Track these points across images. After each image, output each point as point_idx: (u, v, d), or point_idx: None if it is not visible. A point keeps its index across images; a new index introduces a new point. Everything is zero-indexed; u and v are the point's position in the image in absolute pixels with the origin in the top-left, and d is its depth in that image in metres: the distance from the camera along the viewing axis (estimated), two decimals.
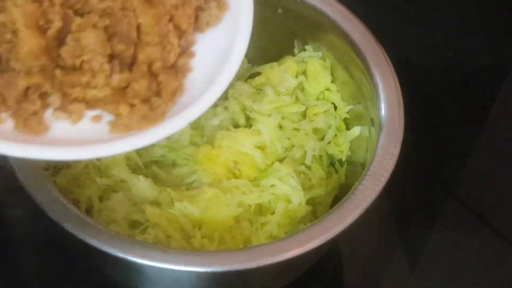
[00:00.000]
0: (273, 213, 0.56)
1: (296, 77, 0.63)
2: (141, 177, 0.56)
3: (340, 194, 0.60)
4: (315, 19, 0.61)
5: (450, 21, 0.83)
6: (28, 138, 0.43)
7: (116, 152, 0.44)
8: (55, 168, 0.56)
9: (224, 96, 0.62)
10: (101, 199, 0.56)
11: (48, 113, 0.45)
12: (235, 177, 0.57)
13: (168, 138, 0.53)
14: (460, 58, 0.80)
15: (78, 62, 0.44)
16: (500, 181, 0.70)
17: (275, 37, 0.64)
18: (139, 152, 0.59)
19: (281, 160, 0.59)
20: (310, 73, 0.63)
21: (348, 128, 0.62)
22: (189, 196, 0.55)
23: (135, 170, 0.58)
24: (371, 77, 0.56)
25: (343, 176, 0.61)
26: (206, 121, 0.60)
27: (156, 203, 0.55)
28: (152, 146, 0.59)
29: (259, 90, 0.62)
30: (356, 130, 0.60)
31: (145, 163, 0.59)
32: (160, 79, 0.46)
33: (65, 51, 0.44)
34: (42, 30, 0.43)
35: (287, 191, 0.56)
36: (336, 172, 0.61)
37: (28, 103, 0.44)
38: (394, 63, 0.57)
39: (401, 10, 0.83)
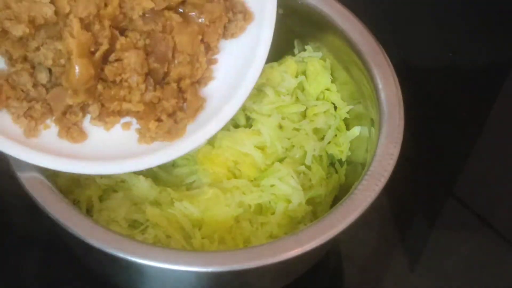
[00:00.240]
0: (273, 213, 0.56)
1: (296, 77, 0.63)
2: (141, 177, 0.56)
3: (340, 194, 0.60)
4: (315, 19, 0.61)
5: (450, 21, 0.83)
6: (66, 150, 0.48)
7: (142, 168, 0.49)
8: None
9: None
10: (101, 199, 0.56)
11: (85, 121, 0.50)
12: (235, 177, 0.57)
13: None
14: (460, 58, 0.80)
15: (118, 78, 0.48)
16: (500, 181, 0.70)
17: (275, 37, 0.64)
18: None
19: (281, 160, 0.59)
20: (310, 73, 0.63)
21: (348, 128, 0.62)
22: (189, 196, 0.55)
23: None
24: (371, 77, 0.56)
25: (343, 176, 0.61)
26: None
27: (156, 203, 0.55)
28: None
29: (259, 90, 0.62)
30: (356, 130, 0.60)
31: None
32: (186, 95, 0.51)
33: (108, 70, 0.48)
34: (91, 54, 0.47)
35: (287, 191, 0.56)
36: (336, 172, 0.61)
37: (71, 115, 0.49)
38: (394, 63, 0.57)
39: (401, 10, 0.83)
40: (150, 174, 0.58)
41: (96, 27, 0.47)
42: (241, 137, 0.58)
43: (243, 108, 0.61)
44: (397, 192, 0.62)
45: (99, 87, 0.48)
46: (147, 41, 0.49)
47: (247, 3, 0.54)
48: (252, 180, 0.57)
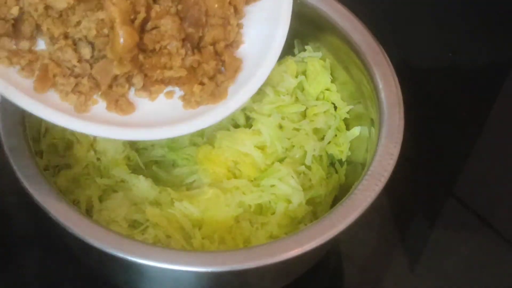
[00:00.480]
0: (273, 213, 0.56)
1: (296, 77, 0.63)
2: (141, 177, 0.56)
3: (340, 194, 0.60)
4: (315, 19, 0.61)
5: (450, 21, 0.83)
6: (116, 119, 0.49)
7: (193, 130, 0.49)
8: (55, 168, 0.56)
9: None
10: (101, 199, 0.56)
11: (131, 93, 0.50)
12: (235, 177, 0.57)
13: (169, 138, 0.55)
14: (460, 58, 0.80)
15: (157, 46, 0.48)
16: (500, 181, 0.70)
17: None
18: (140, 152, 0.59)
19: (281, 160, 0.59)
20: (310, 73, 0.63)
21: (348, 128, 0.62)
22: (189, 196, 0.55)
23: (135, 170, 0.58)
24: (371, 77, 0.56)
25: (343, 176, 0.61)
26: None
27: (156, 203, 0.55)
28: (152, 146, 0.60)
29: (258, 90, 0.62)
30: (356, 130, 0.60)
31: (145, 163, 0.59)
32: (223, 58, 0.51)
33: (148, 38, 0.48)
34: (132, 23, 0.47)
35: (287, 191, 0.56)
36: (336, 172, 0.61)
37: (118, 87, 0.49)
38: (394, 63, 0.57)
39: (401, 10, 0.83)
40: (150, 174, 0.58)
41: None
42: (241, 137, 0.58)
43: (243, 108, 0.61)
44: (397, 192, 0.62)
45: (141, 57, 0.48)
46: (179, 7, 0.50)
47: None
48: (252, 180, 0.57)
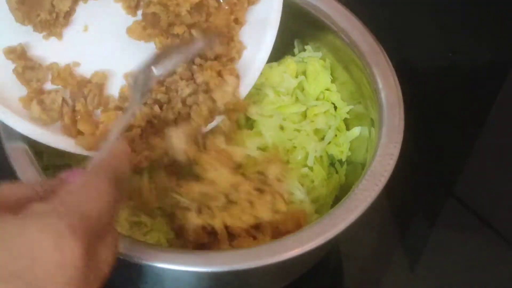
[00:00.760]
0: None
1: (296, 77, 0.63)
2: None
3: (340, 194, 0.60)
4: (315, 19, 0.61)
5: (450, 21, 0.83)
6: None
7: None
8: (55, 168, 0.56)
9: None
10: None
11: None
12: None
13: None
14: (460, 58, 0.80)
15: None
16: (500, 181, 0.70)
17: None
18: None
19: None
20: (310, 73, 0.63)
21: (348, 128, 0.62)
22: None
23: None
24: (371, 77, 0.56)
25: (343, 176, 0.61)
26: None
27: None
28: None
29: (258, 90, 0.62)
30: (356, 131, 0.60)
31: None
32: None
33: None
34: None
35: (294, 203, 0.56)
36: (336, 172, 0.61)
37: None
38: (394, 63, 0.57)
39: (401, 10, 0.83)
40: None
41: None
42: (243, 139, 0.58)
43: None
44: (397, 192, 0.62)
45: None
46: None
47: None
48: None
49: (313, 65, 0.63)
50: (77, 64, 0.53)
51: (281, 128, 0.60)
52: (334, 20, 0.59)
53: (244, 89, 0.55)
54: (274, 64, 0.64)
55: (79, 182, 0.35)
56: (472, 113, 0.75)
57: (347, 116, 0.62)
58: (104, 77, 0.53)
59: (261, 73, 0.63)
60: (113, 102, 0.53)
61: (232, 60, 0.56)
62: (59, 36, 0.53)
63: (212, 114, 0.53)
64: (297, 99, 0.62)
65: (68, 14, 0.53)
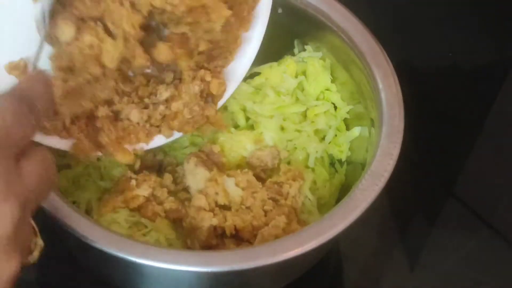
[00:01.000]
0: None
1: (296, 77, 0.63)
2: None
3: (340, 194, 0.59)
4: (315, 19, 0.61)
5: (450, 21, 0.83)
6: None
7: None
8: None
9: None
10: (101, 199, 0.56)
11: None
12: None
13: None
14: (460, 58, 0.80)
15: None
16: (500, 181, 0.70)
17: (275, 37, 0.64)
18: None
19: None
20: (310, 73, 0.63)
21: (348, 128, 0.62)
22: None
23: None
24: (371, 77, 0.56)
25: (343, 176, 0.61)
26: None
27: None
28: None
29: (258, 90, 0.62)
30: (356, 131, 0.60)
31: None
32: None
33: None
34: None
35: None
36: (336, 172, 0.61)
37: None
38: (394, 63, 0.57)
39: (401, 10, 0.83)
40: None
41: None
42: (244, 140, 0.58)
43: (243, 108, 0.61)
44: (397, 192, 0.62)
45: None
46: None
47: None
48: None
49: (313, 65, 0.63)
50: None
51: (282, 128, 0.60)
52: (334, 20, 0.59)
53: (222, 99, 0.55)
54: (274, 64, 0.64)
55: None
56: (472, 113, 0.75)
57: (347, 116, 0.62)
58: None
59: (261, 73, 0.64)
60: None
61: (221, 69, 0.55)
62: None
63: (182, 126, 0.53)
64: (297, 99, 0.62)
65: None
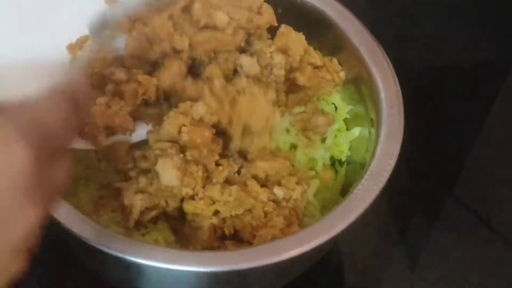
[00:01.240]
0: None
1: None
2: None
3: (340, 194, 0.59)
4: (315, 19, 0.61)
5: (450, 21, 0.83)
6: None
7: None
8: None
9: None
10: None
11: None
12: None
13: None
14: (459, 57, 0.80)
15: None
16: (500, 181, 0.70)
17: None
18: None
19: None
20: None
21: (348, 128, 0.62)
22: None
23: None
24: (371, 77, 0.56)
25: (343, 176, 0.60)
26: None
27: None
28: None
29: None
30: (356, 131, 0.60)
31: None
32: None
33: None
34: None
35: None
36: (336, 172, 0.61)
37: None
38: (394, 63, 0.57)
39: (400, 10, 0.83)
40: None
41: None
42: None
43: None
44: (397, 192, 0.62)
45: None
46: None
47: None
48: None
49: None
50: None
51: (287, 131, 0.59)
52: (334, 20, 0.59)
53: None
54: None
55: (34, 99, 0.36)
56: (472, 113, 0.75)
57: (347, 116, 0.62)
58: None
59: None
60: None
61: None
62: None
63: None
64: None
65: None
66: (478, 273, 0.63)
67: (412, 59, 0.77)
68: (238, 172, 0.54)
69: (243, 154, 0.54)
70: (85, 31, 0.54)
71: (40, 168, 0.33)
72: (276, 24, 0.58)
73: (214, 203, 0.51)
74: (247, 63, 0.55)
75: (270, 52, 0.56)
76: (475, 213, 0.68)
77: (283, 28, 0.59)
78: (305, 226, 0.53)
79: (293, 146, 0.59)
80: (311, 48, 0.60)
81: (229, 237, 0.52)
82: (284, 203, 0.53)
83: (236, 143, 0.53)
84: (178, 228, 0.53)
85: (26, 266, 0.33)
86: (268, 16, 0.57)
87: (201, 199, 0.51)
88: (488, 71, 0.79)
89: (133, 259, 0.45)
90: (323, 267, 0.61)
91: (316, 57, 0.60)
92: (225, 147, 0.53)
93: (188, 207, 0.51)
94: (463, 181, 0.70)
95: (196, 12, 0.54)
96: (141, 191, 0.51)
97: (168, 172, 0.49)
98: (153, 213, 0.52)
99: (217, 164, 0.52)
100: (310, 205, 0.56)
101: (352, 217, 0.48)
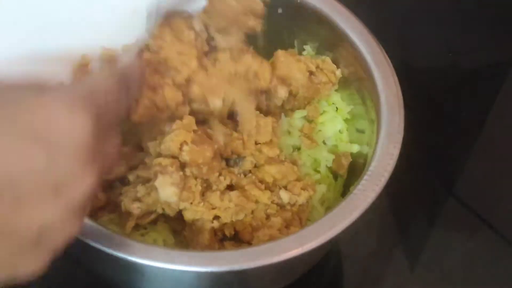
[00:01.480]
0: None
1: None
2: None
3: (340, 194, 0.59)
4: (315, 19, 0.61)
5: (450, 21, 0.83)
6: None
7: None
8: None
9: None
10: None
11: None
12: None
13: None
14: (460, 58, 0.80)
15: None
16: (500, 181, 0.70)
17: (274, 37, 0.64)
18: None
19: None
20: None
21: (348, 129, 0.61)
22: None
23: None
24: (371, 77, 0.56)
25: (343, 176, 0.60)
26: None
27: None
28: None
29: None
30: (354, 147, 0.60)
31: None
32: None
33: None
34: None
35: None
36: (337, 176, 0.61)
37: None
38: (394, 63, 0.57)
39: (401, 10, 0.83)
40: None
41: None
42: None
43: None
44: (397, 192, 0.62)
45: None
46: None
47: None
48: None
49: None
50: None
51: (288, 133, 0.59)
52: (334, 20, 0.59)
53: None
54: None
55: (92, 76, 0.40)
56: (472, 113, 0.75)
57: (348, 116, 0.62)
58: None
59: None
60: None
61: None
62: None
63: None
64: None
65: None
66: (478, 273, 0.63)
67: (412, 59, 0.77)
68: (245, 174, 0.54)
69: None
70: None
71: (97, 139, 0.35)
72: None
73: (214, 208, 0.51)
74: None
75: (274, 84, 0.57)
76: (475, 213, 0.68)
77: (281, 56, 0.59)
78: (305, 226, 0.54)
79: (296, 148, 0.59)
80: (302, 57, 0.60)
81: (229, 238, 0.52)
82: (288, 207, 0.53)
83: (248, 163, 0.54)
84: (178, 230, 0.53)
85: (79, 229, 0.37)
86: (268, 77, 0.56)
87: (199, 202, 0.51)
88: (488, 71, 0.79)
89: (133, 259, 0.45)
90: (323, 267, 0.61)
91: (309, 64, 0.60)
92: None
93: (188, 214, 0.51)
94: (463, 181, 0.70)
95: (192, 94, 0.54)
96: (139, 200, 0.51)
97: (167, 189, 0.50)
98: (152, 216, 0.52)
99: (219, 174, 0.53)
100: (315, 210, 0.56)
101: (352, 217, 0.48)
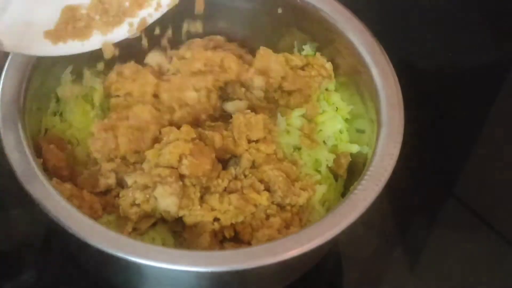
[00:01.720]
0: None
1: None
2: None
3: (340, 194, 0.59)
4: (315, 19, 0.61)
5: (450, 21, 0.83)
6: None
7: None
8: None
9: None
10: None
11: None
12: None
13: None
14: (460, 58, 0.80)
15: None
16: (500, 181, 0.70)
17: (274, 37, 0.64)
18: None
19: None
20: None
21: (348, 129, 0.61)
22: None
23: None
24: (371, 77, 0.56)
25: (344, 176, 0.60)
26: None
27: None
28: None
29: None
30: (354, 147, 0.60)
31: None
32: None
33: None
34: None
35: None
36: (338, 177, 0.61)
37: None
38: (394, 63, 0.57)
39: (401, 10, 0.83)
40: None
41: None
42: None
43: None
44: (397, 192, 0.62)
45: None
46: None
47: None
48: None
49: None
50: None
51: (287, 132, 0.59)
52: (334, 20, 0.59)
53: None
54: None
55: None
56: (472, 113, 0.75)
57: (348, 116, 0.62)
58: None
59: None
60: None
61: None
62: None
63: None
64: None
65: None
66: (478, 273, 0.63)
67: (413, 59, 0.77)
68: (244, 175, 0.54)
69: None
70: None
71: None
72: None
73: (213, 210, 0.51)
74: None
75: (250, 75, 0.57)
76: (475, 213, 0.67)
77: (262, 50, 0.60)
78: (305, 226, 0.54)
79: (296, 148, 0.59)
80: (288, 54, 0.61)
81: (229, 237, 0.52)
82: (288, 208, 0.53)
83: (245, 161, 0.54)
84: (178, 231, 0.53)
85: None
86: (235, 68, 0.58)
87: (198, 206, 0.51)
88: (488, 71, 0.79)
89: (133, 259, 0.45)
90: (323, 267, 0.61)
91: (295, 60, 0.60)
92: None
93: (187, 219, 0.51)
94: (463, 181, 0.70)
95: (165, 101, 0.55)
96: (137, 205, 0.51)
97: (167, 199, 0.50)
98: (152, 220, 0.52)
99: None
100: (315, 211, 0.56)
101: (352, 217, 0.48)
